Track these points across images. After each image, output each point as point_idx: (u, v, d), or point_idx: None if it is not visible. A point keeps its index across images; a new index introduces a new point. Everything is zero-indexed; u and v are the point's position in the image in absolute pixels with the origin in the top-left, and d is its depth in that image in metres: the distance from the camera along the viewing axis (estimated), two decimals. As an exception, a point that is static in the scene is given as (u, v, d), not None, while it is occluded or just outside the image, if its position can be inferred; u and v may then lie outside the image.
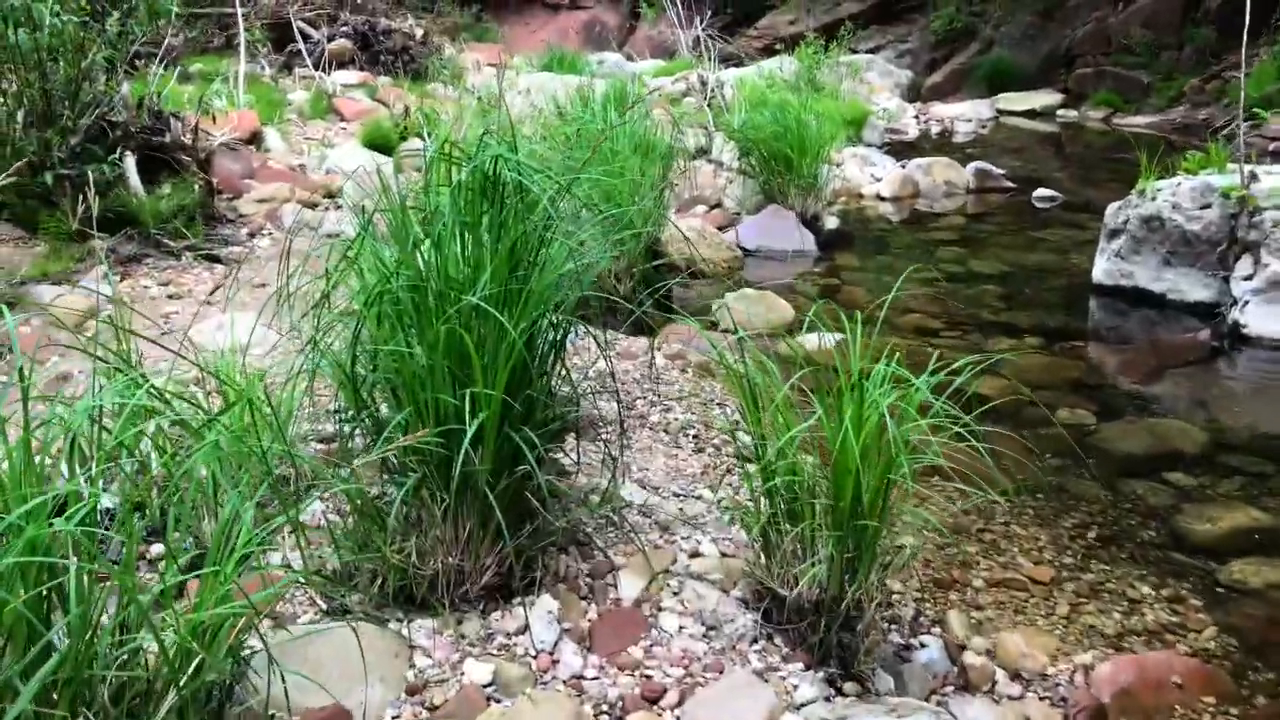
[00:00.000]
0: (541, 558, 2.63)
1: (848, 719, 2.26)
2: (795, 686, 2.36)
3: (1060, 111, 16.13)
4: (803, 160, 7.38)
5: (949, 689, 2.60)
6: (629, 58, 18.94)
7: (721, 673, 2.38)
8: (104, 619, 1.67)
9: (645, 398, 4.26)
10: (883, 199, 9.27)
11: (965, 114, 15.52)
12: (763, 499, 2.55)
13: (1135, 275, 6.18)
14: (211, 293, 4.40)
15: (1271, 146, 12.18)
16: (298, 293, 2.80)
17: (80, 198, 5.28)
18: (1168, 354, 5.42)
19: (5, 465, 1.74)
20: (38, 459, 1.84)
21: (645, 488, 3.32)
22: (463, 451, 2.23)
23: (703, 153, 9.45)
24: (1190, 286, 5.97)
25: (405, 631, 2.36)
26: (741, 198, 7.97)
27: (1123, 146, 13.09)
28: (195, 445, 2.20)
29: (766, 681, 2.36)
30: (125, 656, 1.67)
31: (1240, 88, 14.24)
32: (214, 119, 7.50)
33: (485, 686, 2.26)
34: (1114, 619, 3.04)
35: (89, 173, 5.44)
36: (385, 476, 2.53)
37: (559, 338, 2.59)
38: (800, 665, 2.44)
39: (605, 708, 2.26)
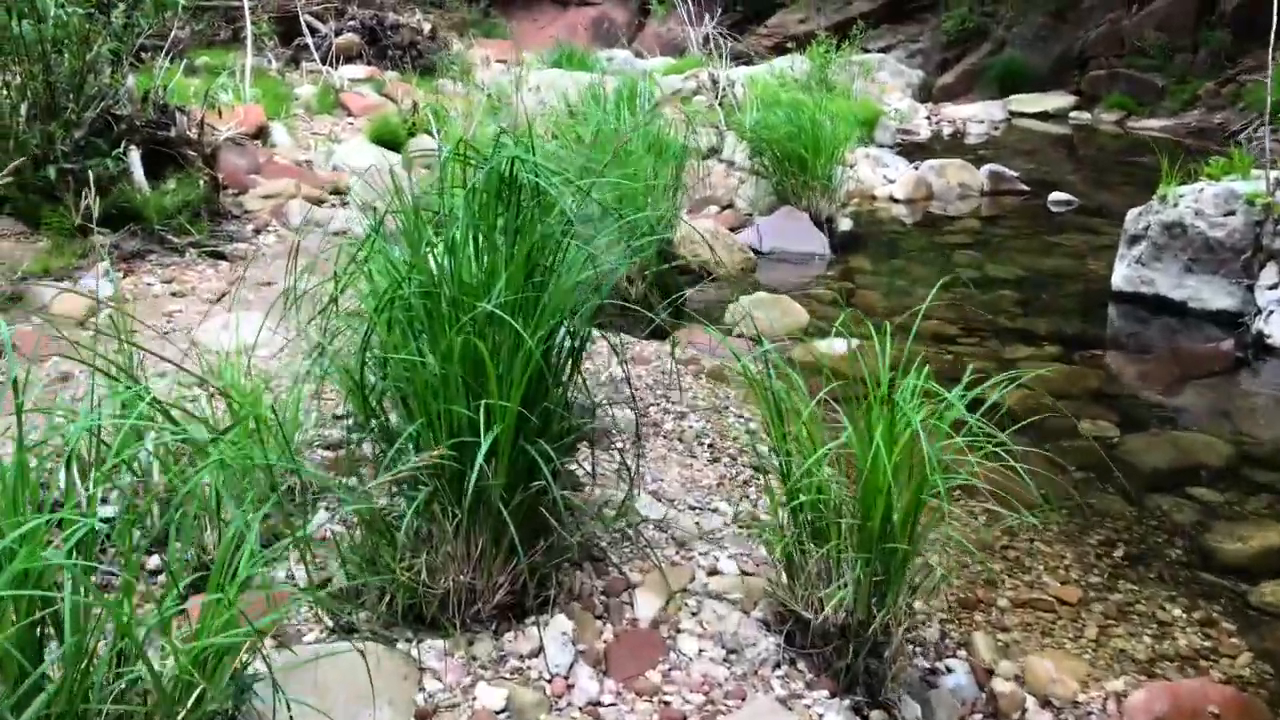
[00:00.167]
0: (555, 575, 2.53)
1: (875, 750, 2.17)
2: (820, 716, 2.27)
3: (1073, 114, 16.00)
4: (817, 161, 7.27)
5: (977, 717, 2.50)
6: (638, 55, 18.84)
7: (744, 700, 2.28)
8: (101, 646, 1.57)
9: (659, 404, 4.16)
10: (896, 201, 9.16)
11: (977, 115, 15.40)
12: (786, 518, 2.45)
13: (1156, 282, 6.07)
14: (219, 298, 4.29)
15: (1287, 151, 12.03)
16: (305, 294, 2.71)
17: (83, 193, 5.18)
18: (1190, 364, 5.32)
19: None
20: (35, 469, 1.75)
21: (660, 500, 3.22)
22: (477, 466, 2.13)
23: (714, 152, 9.34)
24: (1212, 295, 5.86)
25: (415, 652, 2.26)
26: (754, 198, 7.86)
27: (1137, 150, 12.99)
28: (198, 460, 2.10)
29: (790, 710, 2.26)
30: (123, 687, 1.57)
31: (1257, 91, 14.17)
32: (220, 113, 7.38)
33: (498, 713, 2.16)
34: (1145, 643, 2.94)
35: (92, 167, 5.34)
36: (395, 489, 2.43)
37: (576, 347, 2.49)
38: (825, 693, 2.34)
39: (622, 737, 2.17)
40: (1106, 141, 14.14)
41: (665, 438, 3.84)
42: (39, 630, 1.52)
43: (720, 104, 10.54)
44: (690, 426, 3.95)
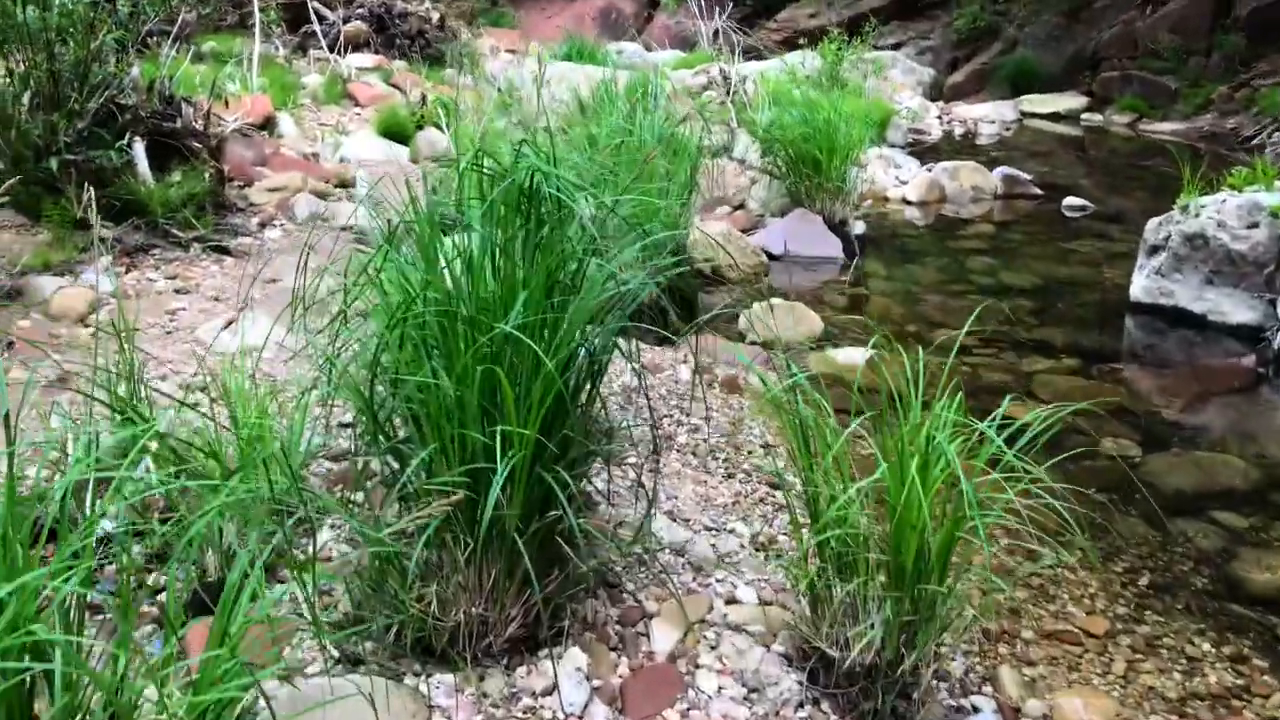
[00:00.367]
0: (569, 605, 2.43)
1: (902, 799, 2.08)
2: (845, 761, 2.18)
3: (1085, 115, 15.87)
4: (832, 163, 7.16)
5: (1005, 760, 2.41)
6: (647, 47, 18.70)
7: (765, 742, 2.19)
8: (95, 698, 1.48)
9: (672, 415, 4.07)
10: (908, 203, 9.05)
11: (989, 115, 15.28)
12: (812, 551, 2.35)
13: (1176, 294, 5.96)
14: (241, 308, 4.18)
15: (1302, 158, 11.93)
16: (313, 296, 2.61)
17: (85, 184, 5.08)
18: (1210, 379, 5.22)
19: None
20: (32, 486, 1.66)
21: (676, 520, 3.12)
22: (493, 496, 2.04)
23: (725, 150, 9.22)
24: (1233, 308, 5.76)
25: (424, 688, 2.17)
26: (766, 199, 7.75)
27: (1149, 153, 12.88)
28: (201, 495, 2.01)
29: (814, 754, 2.17)
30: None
31: (1271, 96, 14.04)
32: (227, 103, 7.29)
33: (510, 756, 2.07)
34: (1174, 679, 2.84)
35: (96, 159, 5.24)
36: (404, 513, 2.34)
37: (597, 370, 2.39)
38: (850, 735, 2.25)
39: (639, 779, 2.08)
40: (1119, 144, 14.01)
41: (679, 451, 3.75)
42: (29, 686, 1.43)
43: (731, 100, 10.42)
44: (704, 440, 3.85)
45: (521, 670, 2.28)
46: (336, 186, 7.29)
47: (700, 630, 2.52)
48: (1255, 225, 5.69)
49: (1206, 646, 3.00)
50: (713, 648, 2.47)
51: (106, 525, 2.60)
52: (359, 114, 9.96)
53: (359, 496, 2.66)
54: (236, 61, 9.34)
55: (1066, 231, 8.27)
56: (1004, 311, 6.02)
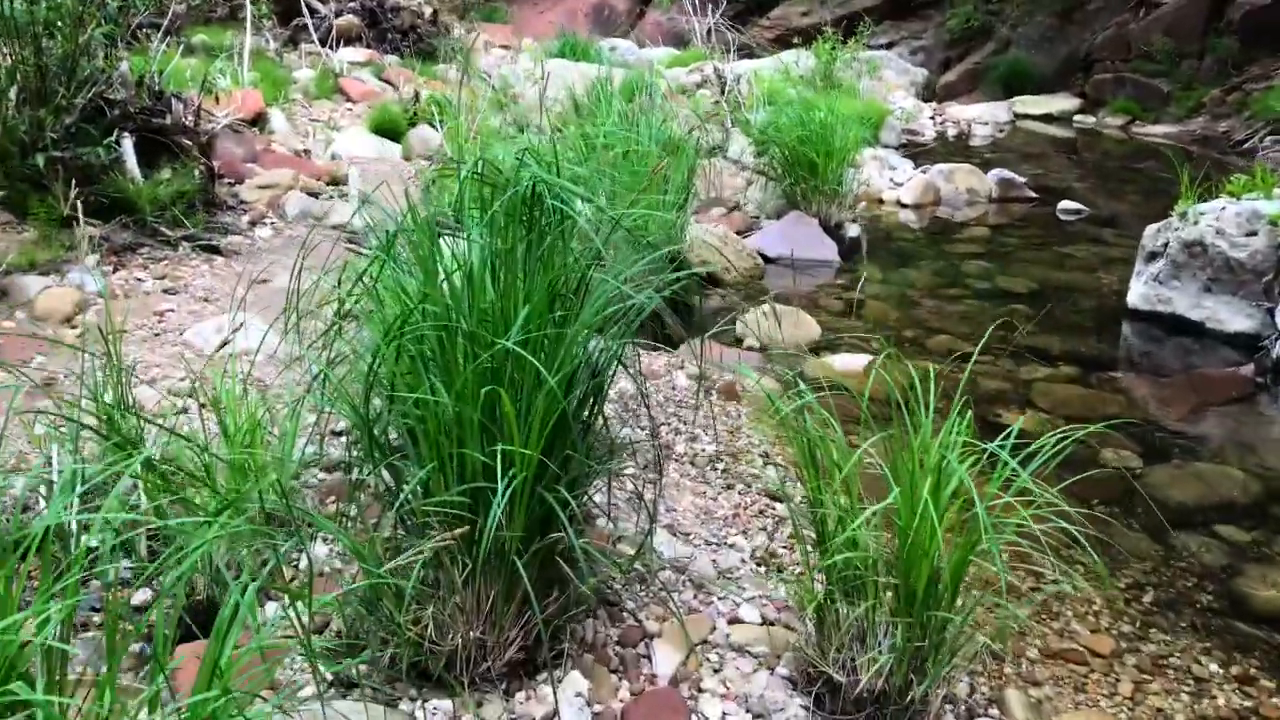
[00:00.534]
0: (569, 626, 2.37)
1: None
2: (853, 790, 2.12)
3: (1077, 117, 15.86)
4: (828, 165, 7.11)
5: (1014, 787, 2.36)
6: (640, 44, 18.62)
7: (770, 771, 2.14)
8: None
9: (669, 423, 4.01)
10: (903, 205, 9.00)
11: (982, 116, 15.24)
12: (818, 574, 2.30)
13: (1174, 302, 5.93)
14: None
15: (1294, 163, 11.93)
16: (307, 302, 2.55)
17: (72, 182, 4.99)
18: (1209, 389, 5.18)
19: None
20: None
21: (675, 534, 3.06)
22: (494, 518, 1.97)
23: (719, 150, 9.16)
24: (1231, 316, 5.73)
25: (420, 715, 2.10)
26: (761, 201, 7.69)
27: (1142, 156, 12.87)
28: (191, 528, 1.94)
29: (820, 782, 2.12)
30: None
31: (1263, 100, 14.05)
32: (217, 99, 7.19)
33: (510, 786, 2.01)
34: (1182, 701, 2.80)
35: (83, 155, 5.14)
36: (401, 533, 2.27)
37: (601, 386, 2.33)
38: (857, 763, 2.20)
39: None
40: (1111, 147, 14.01)
41: (677, 461, 3.69)
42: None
43: (726, 100, 10.36)
44: (703, 449, 3.80)
45: (520, 696, 2.21)
46: (328, 184, 7.21)
47: (703, 652, 2.46)
48: (1254, 233, 5.66)
49: (1214, 667, 2.96)
50: (716, 670, 2.41)
51: (91, 542, 2.54)
52: (351, 110, 9.87)
53: (353, 509, 2.60)
54: (227, 55, 9.23)
55: (1062, 235, 8.24)
56: (1001, 318, 5.99)
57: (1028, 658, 2.91)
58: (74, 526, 1.93)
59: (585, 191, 2.46)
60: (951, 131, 14.49)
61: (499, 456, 2.00)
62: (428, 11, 14.44)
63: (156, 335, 4.33)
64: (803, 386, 2.35)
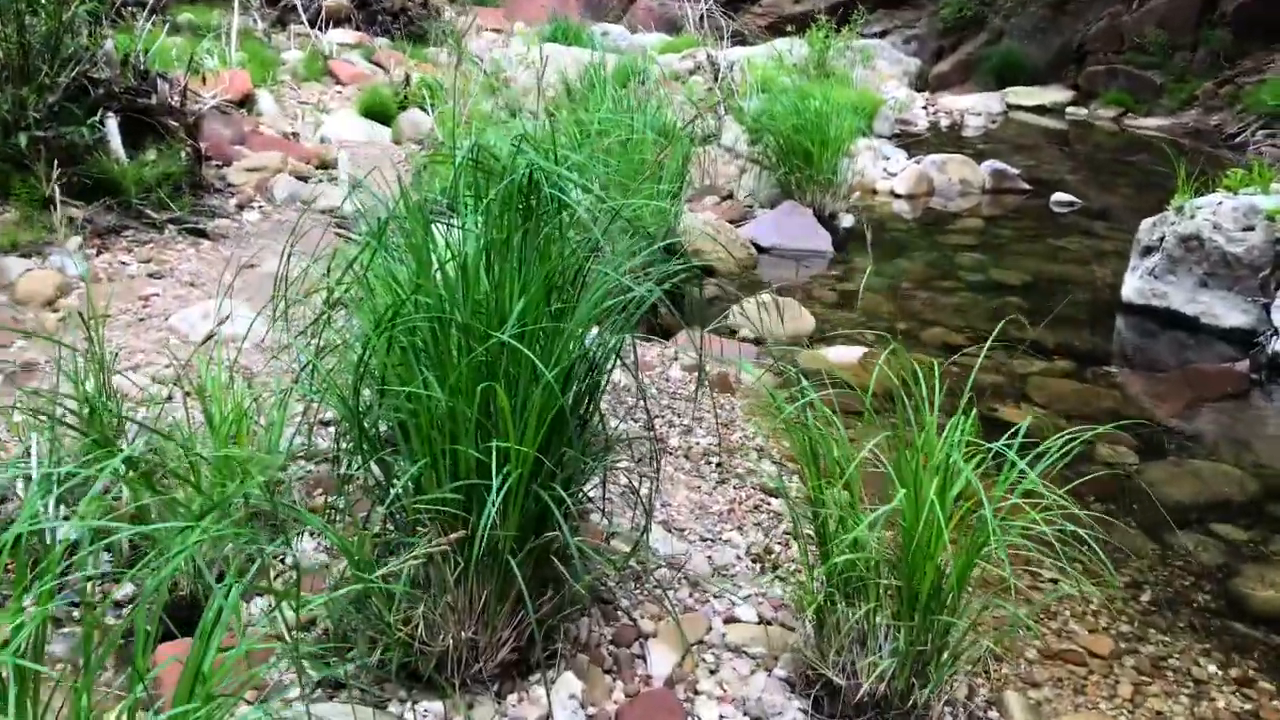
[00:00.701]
0: (563, 625, 2.32)
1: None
2: (852, 796, 2.08)
3: (1070, 109, 15.82)
4: (823, 155, 7.04)
5: (1014, 792, 2.32)
6: (632, 29, 18.51)
7: (768, 776, 2.09)
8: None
9: (663, 416, 3.95)
10: (897, 196, 8.95)
11: (975, 107, 15.19)
12: (819, 575, 2.24)
13: (1169, 296, 5.90)
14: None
15: (1288, 157, 11.93)
16: (295, 289, 2.48)
17: (55, 162, 4.89)
18: (1204, 384, 5.15)
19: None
20: None
21: (670, 530, 3.01)
22: (488, 517, 1.91)
23: (713, 138, 9.09)
24: (1226, 311, 5.70)
25: (409, 718, 2.05)
26: (755, 189, 7.63)
27: (1134, 149, 12.85)
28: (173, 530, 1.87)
29: (819, 788, 2.07)
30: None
31: (1255, 94, 14.02)
32: (204, 79, 7.08)
33: (502, 792, 1.96)
34: (1182, 704, 2.76)
35: (67, 135, 5.04)
36: (392, 531, 2.21)
37: (599, 381, 2.27)
38: (857, 768, 2.15)
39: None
40: (1104, 139, 13.98)
41: (671, 454, 3.64)
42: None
43: (719, 87, 10.27)
44: (697, 442, 3.74)
45: (513, 698, 2.16)
46: (317, 168, 7.12)
47: (699, 652, 2.41)
48: (1251, 228, 5.63)
49: (1213, 668, 2.92)
50: (712, 671, 2.36)
51: (71, 534, 2.47)
52: (340, 92, 9.76)
53: (341, 502, 2.54)
54: (214, 35, 9.10)
55: (1055, 228, 8.20)
56: (995, 311, 5.95)
57: (1026, 658, 2.87)
58: (53, 526, 1.86)
59: (583, 180, 2.39)
60: (944, 122, 14.44)
61: (494, 453, 1.94)
62: (418, -6, 14.31)
63: (141, 320, 4.25)
64: (805, 384, 2.29)
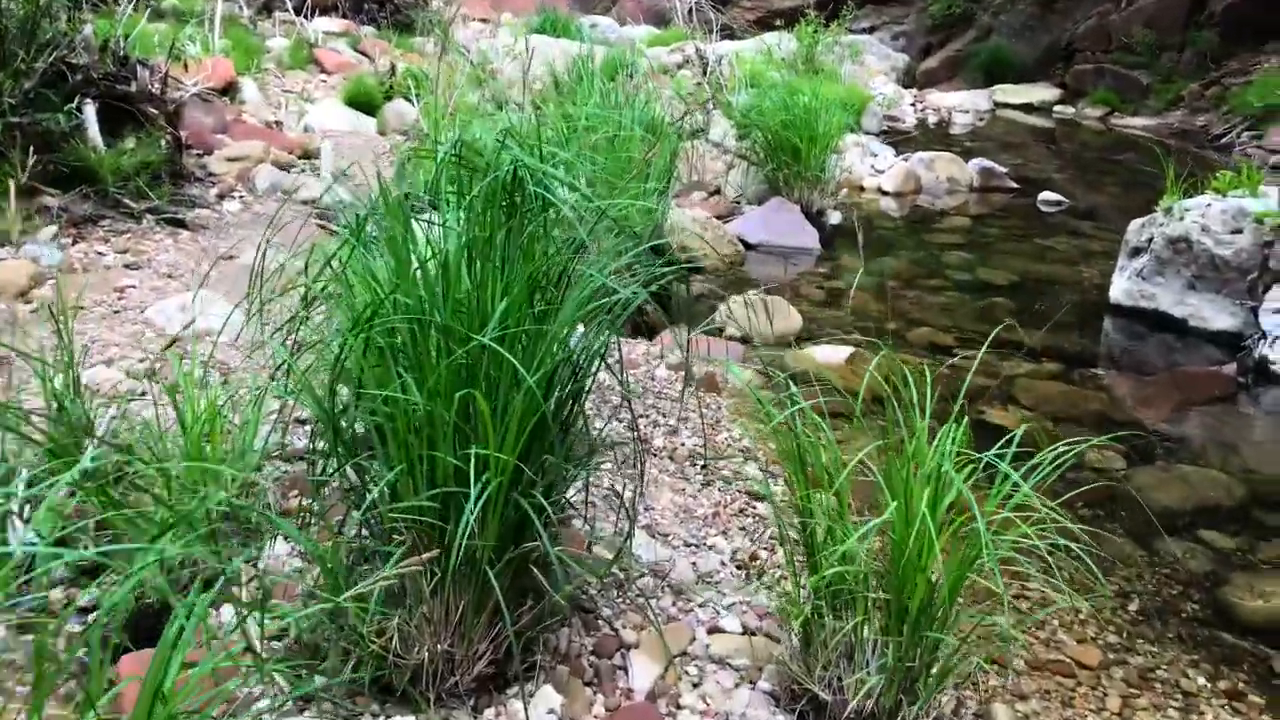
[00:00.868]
0: (542, 636, 2.26)
1: None
2: (838, 815, 2.02)
3: (1057, 107, 15.82)
4: (811, 151, 6.99)
5: (1002, 809, 2.27)
6: (620, 22, 18.41)
7: (752, 794, 2.03)
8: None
9: (648, 415, 3.89)
10: (884, 193, 8.91)
11: (963, 104, 15.17)
12: (806, 588, 2.19)
13: (1157, 298, 5.87)
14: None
15: (1272, 160, 11.94)
16: (273, 285, 2.42)
17: (31, 149, 4.79)
18: (1192, 388, 5.13)
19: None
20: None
21: (654, 536, 2.95)
22: (466, 526, 1.85)
23: (701, 132, 9.02)
24: (1214, 314, 5.67)
25: (383, 732, 1.99)
26: (742, 185, 7.57)
27: (1121, 148, 12.85)
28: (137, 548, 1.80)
29: (804, 807, 2.02)
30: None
31: (1241, 95, 14.04)
32: (186, 66, 6.97)
33: (477, 810, 1.90)
34: (1171, 717, 2.72)
35: (43, 121, 4.94)
36: (367, 537, 2.15)
37: (583, 385, 2.21)
38: (842, 786, 2.10)
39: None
40: (1090, 138, 13.98)
41: (655, 456, 3.58)
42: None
43: (708, 81, 10.20)
44: (683, 443, 3.68)
45: (489, 712, 2.09)
46: (300, 157, 7.02)
47: (681, 664, 2.36)
48: (1239, 231, 5.60)
49: (1201, 680, 2.88)
50: (695, 685, 2.30)
51: (26, 542, 2.39)
52: (325, 81, 9.65)
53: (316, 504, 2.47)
54: (198, 21, 8.97)
55: (1043, 227, 8.17)
56: (982, 310, 5.92)
57: (1014, 669, 2.82)
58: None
59: (569, 177, 2.33)
60: (932, 119, 14.41)
61: (473, 460, 1.88)
62: (405, -18, 14.17)
63: (116, 313, 4.16)
64: (793, 390, 2.24)
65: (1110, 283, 6.17)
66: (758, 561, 3.00)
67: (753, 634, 2.53)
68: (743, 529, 3.20)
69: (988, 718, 2.54)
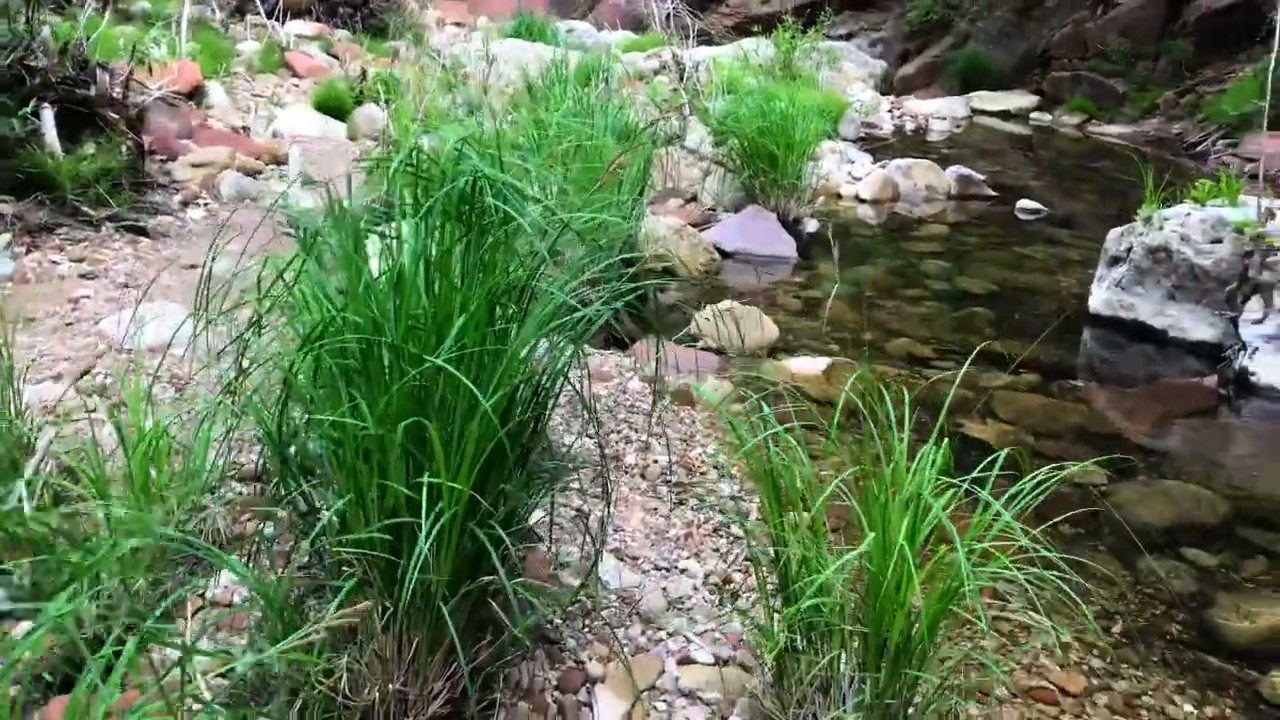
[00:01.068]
0: (503, 672, 2.14)
1: None
2: None
3: (1034, 114, 15.84)
4: (788, 159, 6.90)
5: None
6: (598, 27, 18.33)
7: (722, 840, 1.93)
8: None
9: (620, 430, 3.78)
10: (861, 200, 8.84)
11: (940, 111, 15.16)
12: (779, 619, 2.08)
13: (1137, 308, 5.81)
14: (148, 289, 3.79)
15: (1249, 168, 11.96)
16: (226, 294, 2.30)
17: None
18: (1172, 400, 5.06)
19: None
20: None
21: (623, 559, 2.84)
22: (418, 558, 1.74)
23: (677, 139, 8.92)
24: (1194, 324, 5.61)
25: (330, 779, 1.87)
26: (719, 193, 7.47)
27: (1097, 155, 12.85)
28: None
29: None
30: None
31: (1216, 104, 14.07)
32: (150, 69, 6.82)
33: None
34: (1157, 746, 2.64)
35: (-2, 126, 4.80)
36: (317, 570, 2.03)
37: (545, 407, 2.10)
38: (817, 829, 1.99)
39: None
40: (1067, 145, 13.98)
41: (627, 473, 3.47)
42: None
43: (684, 87, 10.11)
44: (655, 460, 3.58)
45: (445, 754, 1.98)
46: (268, 163, 6.88)
47: (650, 699, 2.25)
48: (1219, 240, 5.55)
49: (1188, 707, 2.80)
50: (664, 721, 2.20)
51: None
52: (297, 85, 9.50)
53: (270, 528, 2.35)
54: (165, 24, 8.81)
55: (1021, 235, 8.12)
56: (961, 322, 5.85)
57: (996, 697, 2.73)
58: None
59: (532, 187, 2.22)
60: (909, 126, 14.38)
61: (424, 490, 1.76)
62: (380, -14, 14.04)
63: (69, 325, 4.02)
64: (766, 411, 2.13)
65: (1089, 292, 6.11)
66: (732, 584, 2.90)
67: (725, 664, 2.42)
68: (716, 550, 3.09)
69: (970, 750, 2.45)
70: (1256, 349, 5.19)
